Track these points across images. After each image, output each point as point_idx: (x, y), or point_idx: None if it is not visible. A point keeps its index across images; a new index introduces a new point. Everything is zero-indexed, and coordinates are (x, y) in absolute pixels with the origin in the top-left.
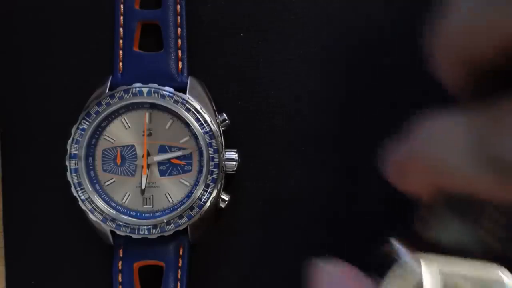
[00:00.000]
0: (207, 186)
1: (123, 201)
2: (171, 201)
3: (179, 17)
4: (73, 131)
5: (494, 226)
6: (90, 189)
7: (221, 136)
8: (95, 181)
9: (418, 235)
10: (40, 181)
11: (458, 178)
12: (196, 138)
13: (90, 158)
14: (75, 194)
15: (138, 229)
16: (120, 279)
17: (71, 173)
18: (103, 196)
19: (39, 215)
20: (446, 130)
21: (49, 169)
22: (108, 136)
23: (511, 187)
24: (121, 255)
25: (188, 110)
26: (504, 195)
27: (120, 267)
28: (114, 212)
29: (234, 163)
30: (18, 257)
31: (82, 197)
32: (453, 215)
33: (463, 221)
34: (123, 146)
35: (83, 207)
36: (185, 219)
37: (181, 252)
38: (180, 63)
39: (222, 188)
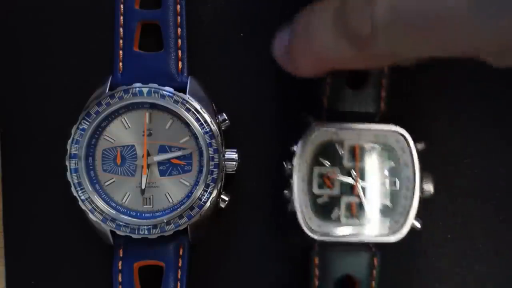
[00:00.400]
0: (207, 186)
1: (123, 201)
2: (171, 201)
3: (179, 17)
4: (73, 131)
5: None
6: (90, 189)
7: (221, 136)
8: (95, 181)
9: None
10: (40, 181)
11: (330, 53)
12: (196, 138)
13: (90, 158)
14: (75, 194)
15: (138, 229)
16: (120, 279)
17: (71, 173)
18: (103, 196)
19: (39, 215)
20: (318, 16)
21: (49, 169)
22: (108, 136)
23: (366, 54)
24: (121, 255)
25: (188, 110)
26: (365, 62)
27: (120, 267)
28: (114, 212)
29: (234, 163)
30: (18, 257)
31: (82, 197)
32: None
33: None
34: (123, 146)
35: (83, 207)
36: (185, 219)
37: (181, 252)
38: (180, 63)
39: (222, 188)
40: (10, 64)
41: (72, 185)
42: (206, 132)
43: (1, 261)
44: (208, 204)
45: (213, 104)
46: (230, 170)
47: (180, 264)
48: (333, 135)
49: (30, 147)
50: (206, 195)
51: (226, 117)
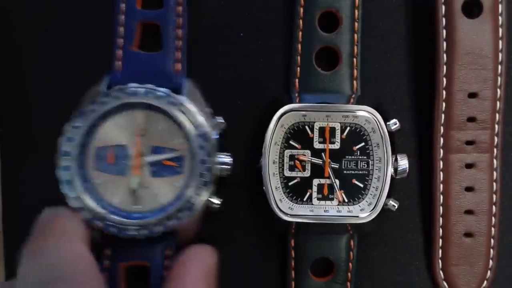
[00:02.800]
0: (197, 189)
1: (113, 200)
2: (161, 202)
3: (180, 18)
4: (66, 128)
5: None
6: (80, 188)
7: (215, 139)
8: (85, 179)
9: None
10: (40, 181)
11: None
12: (189, 140)
13: (82, 157)
14: (64, 191)
15: (126, 229)
16: (106, 278)
17: (61, 171)
18: (92, 195)
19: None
20: None
21: (49, 169)
22: (101, 135)
23: None
24: (108, 255)
25: (182, 112)
26: None
27: (106, 267)
28: (103, 211)
29: (227, 166)
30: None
31: (72, 195)
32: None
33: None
34: (116, 146)
35: (72, 205)
36: (174, 221)
37: (168, 254)
38: (178, 64)
39: (213, 191)
40: (10, 63)
41: (61, 182)
42: (199, 135)
43: (1, 261)
44: (197, 206)
45: (209, 107)
46: (223, 173)
47: (166, 265)
48: (303, 117)
49: (30, 147)
50: (196, 198)
51: (222, 120)
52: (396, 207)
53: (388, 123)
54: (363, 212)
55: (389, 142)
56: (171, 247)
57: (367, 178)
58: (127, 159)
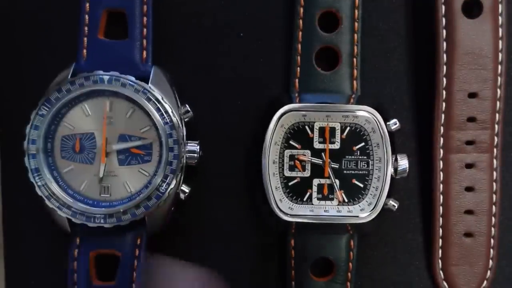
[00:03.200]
0: (165, 176)
1: (81, 189)
2: (129, 190)
3: (145, 6)
4: (32, 116)
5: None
6: (48, 176)
7: (182, 127)
8: (53, 167)
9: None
10: None
11: None
12: (156, 128)
13: (49, 145)
14: (32, 180)
15: (94, 217)
16: (75, 267)
17: (29, 159)
18: (60, 183)
19: (39, 215)
20: None
21: None
22: (67, 123)
23: None
24: (77, 243)
25: (149, 99)
26: None
27: (76, 255)
28: (70, 199)
29: (195, 155)
30: (18, 257)
31: (39, 183)
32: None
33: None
34: (83, 134)
35: (39, 193)
36: (142, 209)
37: (138, 242)
38: (144, 52)
39: (182, 179)
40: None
41: (29, 170)
42: (167, 123)
43: (1, 261)
44: (166, 194)
45: (176, 95)
46: (192, 162)
47: (136, 254)
48: (303, 117)
49: None
50: (164, 186)
51: (188, 109)
52: (396, 207)
53: (388, 123)
54: (363, 212)
55: (389, 142)
56: (140, 236)
57: (367, 178)
58: (94, 147)
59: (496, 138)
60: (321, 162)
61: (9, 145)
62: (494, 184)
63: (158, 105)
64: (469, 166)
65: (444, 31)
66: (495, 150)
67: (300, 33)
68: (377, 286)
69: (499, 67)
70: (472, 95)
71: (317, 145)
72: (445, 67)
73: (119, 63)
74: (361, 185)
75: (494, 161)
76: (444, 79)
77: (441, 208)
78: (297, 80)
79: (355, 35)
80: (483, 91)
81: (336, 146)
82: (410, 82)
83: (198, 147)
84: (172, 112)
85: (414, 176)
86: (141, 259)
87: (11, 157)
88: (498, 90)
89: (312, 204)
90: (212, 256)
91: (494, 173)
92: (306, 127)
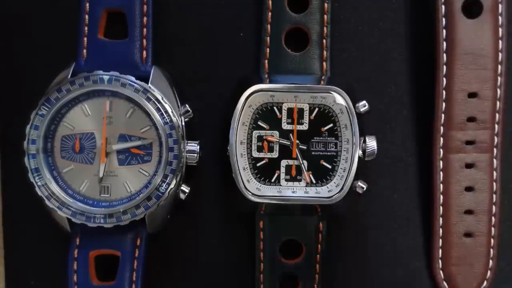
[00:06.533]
0: (165, 176)
1: (81, 189)
2: (129, 190)
3: (145, 6)
4: (32, 116)
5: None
6: (47, 176)
7: (182, 127)
8: (52, 167)
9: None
10: None
11: None
12: (156, 128)
13: (49, 145)
14: (31, 180)
15: (94, 217)
16: (75, 267)
17: (29, 159)
18: (60, 183)
19: (39, 216)
20: None
21: None
22: (67, 123)
23: None
24: (77, 243)
25: (148, 99)
26: None
27: (75, 255)
28: (70, 199)
29: (195, 155)
30: (18, 257)
31: (39, 183)
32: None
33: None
34: (83, 134)
35: (39, 193)
36: (142, 209)
37: (138, 242)
38: (144, 52)
39: (182, 179)
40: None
41: (29, 170)
42: (167, 123)
43: (1, 261)
44: (166, 194)
45: (176, 95)
46: (191, 161)
47: (136, 254)
48: (271, 97)
49: None
50: (164, 186)
51: (188, 109)
52: (365, 189)
53: (357, 104)
54: (330, 193)
55: (356, 123)
56: (140, 236)
57: (335, 159)
58: (93, 147)
59: (496, 138)
60: (289, 143)
61: (9, 145)
62: (494, 184)
63: (158, 105)
64: (469, 166)
65: (444, 31)
66: (495, 150)
67: (270, 13)
68: (377, 286)
69: (499, 67)
70: (472, 95)
71: (285, 126)
72: (445, 67)
73: (119, 63)
74: (329, 167)
75: (494, 161)
76: (444, 79)
77: (441, 208)
78: (266, 61)
79: (325, 16)
80: (483, 91)
81: (305, 127)
82: (410, 82)
83: (198, 147)
84: (172, 112)
85: (414, 176)
86: (141, 259)
87: (11, 157)
88: (498, 90)
89: (280, 185)
90: (212, 256)
91: (494, 173)
92: (275, 107)
